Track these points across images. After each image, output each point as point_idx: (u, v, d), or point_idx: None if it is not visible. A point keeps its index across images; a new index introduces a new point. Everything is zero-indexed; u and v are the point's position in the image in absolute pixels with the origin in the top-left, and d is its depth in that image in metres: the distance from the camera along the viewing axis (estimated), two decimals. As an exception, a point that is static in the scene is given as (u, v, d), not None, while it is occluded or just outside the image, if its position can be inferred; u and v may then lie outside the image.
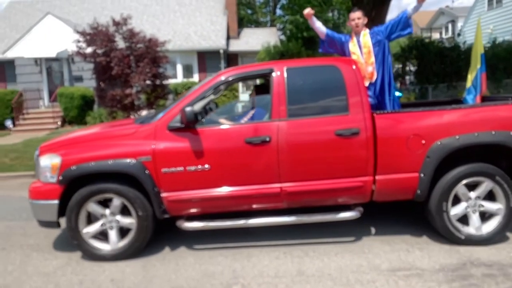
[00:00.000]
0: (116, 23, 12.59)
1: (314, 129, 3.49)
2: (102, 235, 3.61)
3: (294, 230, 3.92)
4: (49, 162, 3.52)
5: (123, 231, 3.61)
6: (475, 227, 3.48)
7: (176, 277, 3.20)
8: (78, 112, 14.74)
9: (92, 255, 3.56)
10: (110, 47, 12.59)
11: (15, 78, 17.24)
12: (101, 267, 3.44)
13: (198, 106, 3.78)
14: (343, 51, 4.36)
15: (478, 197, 3.49)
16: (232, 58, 19.10)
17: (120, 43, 12.82)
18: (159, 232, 3.83)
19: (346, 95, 3.51)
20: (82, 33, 12.48)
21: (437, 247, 3.48)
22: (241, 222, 3.61)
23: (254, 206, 3.59)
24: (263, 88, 4.33)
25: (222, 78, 3.68)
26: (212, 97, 4.11)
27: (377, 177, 3.47)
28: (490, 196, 3.52)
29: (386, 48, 4.24)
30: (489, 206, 3.50)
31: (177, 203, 3.50)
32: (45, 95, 17.48)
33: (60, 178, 3.46)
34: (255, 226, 3.67)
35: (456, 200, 3.51)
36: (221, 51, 18.09)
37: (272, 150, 3.42)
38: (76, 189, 3.49)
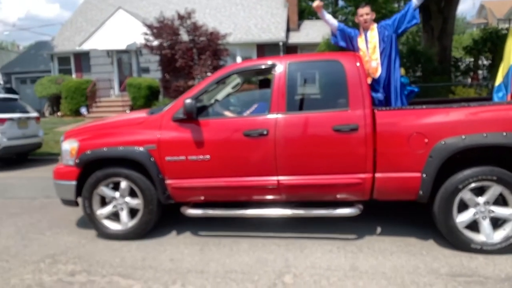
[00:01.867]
0: (180, 17, 13.10)
1: (312, 124, 3.46)
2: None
3: (348, 224, 3.89)
4: (69, 146, 3.90)
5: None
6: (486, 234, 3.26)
7: (230, 262, 3.33)
8: (145, 101, 15.64)
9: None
10: (175, 40, 13.15)
11: (90, 69, 18.76)
12: (162, 246, 3.68)
13: (210, 99, 3.88)
14: (352, 46, 4.33)
15: (487, 203, 3.25)
16: (291, 50, 19.03)
17: (184, 36, 13.33)
18: (215, 218, 3.99)
19: (347, 90, 3.44)
20: (150, 27, 13.17)
21: (504, 255, 3.24)
22: (239, 212, 3.73)
23: (254, 197, 3.67)
24: (268, 83, 4.34)
25: (225, 72, 3.81)
26: (230, 90, 4.21)
27: (376, 175, 3.35)
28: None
29: (393, 43, 4.17)
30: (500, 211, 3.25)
31: (179, 190, 3.69)
32: (116, 85, 18.81)
33: (77, 161, 3.81)
34: (252, 216, 3.78)
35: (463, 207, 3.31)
36: (281, 44, 18.10)
37: (269, 143, 3.45)
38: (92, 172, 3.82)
